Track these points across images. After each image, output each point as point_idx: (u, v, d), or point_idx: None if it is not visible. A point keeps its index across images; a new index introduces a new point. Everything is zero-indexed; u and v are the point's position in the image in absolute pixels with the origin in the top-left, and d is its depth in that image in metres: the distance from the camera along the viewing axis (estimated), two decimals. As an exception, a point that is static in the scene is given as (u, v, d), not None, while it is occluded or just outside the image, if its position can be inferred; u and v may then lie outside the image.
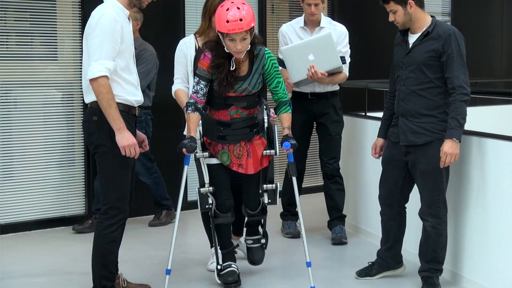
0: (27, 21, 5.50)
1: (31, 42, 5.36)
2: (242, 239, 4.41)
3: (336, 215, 5.01)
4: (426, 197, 3.75)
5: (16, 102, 5.54)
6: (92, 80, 3.30)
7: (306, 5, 4.71)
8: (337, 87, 4.95)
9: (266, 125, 3.93)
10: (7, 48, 5.49)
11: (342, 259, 4.82)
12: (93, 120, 3.44)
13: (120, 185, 3.49)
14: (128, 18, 3.52)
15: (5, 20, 5.50)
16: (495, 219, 3.76)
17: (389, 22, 3.85)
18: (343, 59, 4.67)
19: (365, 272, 4.07)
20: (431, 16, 3.79)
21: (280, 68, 4.65)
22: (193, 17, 6.06)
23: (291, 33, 4.88)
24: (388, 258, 4.04)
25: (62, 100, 5.57)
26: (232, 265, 4.02)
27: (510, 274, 3.62)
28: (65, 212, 5.46)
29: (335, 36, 4.71)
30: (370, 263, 4.10)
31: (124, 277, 3.85)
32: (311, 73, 4.50)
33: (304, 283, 3.91)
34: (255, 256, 4.09)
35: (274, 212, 4.74)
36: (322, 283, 4.02)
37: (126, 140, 3.34)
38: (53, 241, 5.20)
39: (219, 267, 4.02)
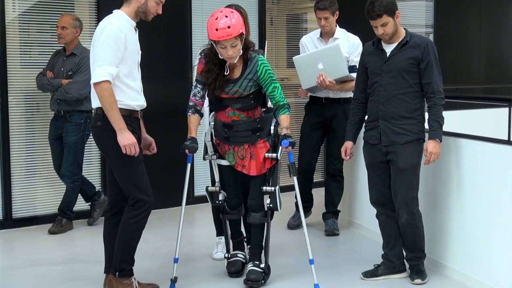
0: (48, 33, 5.50)
1: (52, 52, 5.34)
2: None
3: (331, 210, 5.06)
4: (403, 194, 3.72)
5: (38, 107, 5.55)
6: (95, 84, 3.31)
7: (318, 19, 4.76)
8: (350, 94, 4.89)
9: (272, 132, 3.85)
10: (30, 57, 5.56)
11: (335, 248, 4.83)
12: (98, 126, 3.45)
13: (138, 179, 3.49)
14: (135, 29, 3.51)
15: (28, 32, 5.54)
16: (472, 212, 3.79)
17: (370, 37, 3.83)
18: (355, 67, 4.64)
19: (372, 273, 3.95)
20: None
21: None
22: (199, 28, 6.07)
23: (309, 43, 4.93)
24: (393, 257, 3.92)
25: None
26: (238, 255, 4.01)
27: (487, 262, 3.67)
28: (83, 206, 5.50)
29: (347, 46, 4.78)
30: (376, 265, 3.99)
31: (136, 280, 3.80)
32: (320, 81, 4.54)
33: (307, 277, 3.85)
34: (251, 274, 3.78)
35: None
36: (316, 271, 3.88)
37: (127, 140, 3.32)
38: (72, 233, 5.23)
39: (227, 255, 4.03)
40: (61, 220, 5.19)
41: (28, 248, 4.86)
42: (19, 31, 5.39)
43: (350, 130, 4.04)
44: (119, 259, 3.54)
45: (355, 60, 4.75)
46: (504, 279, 3.56)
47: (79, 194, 5.28)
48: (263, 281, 3.84)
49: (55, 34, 5.44)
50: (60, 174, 5.14)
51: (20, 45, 5.40)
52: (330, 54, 4.59)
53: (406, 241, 3.84)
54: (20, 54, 5.45)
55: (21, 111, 5.43)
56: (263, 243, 3.94)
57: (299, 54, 4.99)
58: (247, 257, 4.02)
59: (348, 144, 4.04)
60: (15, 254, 4.78)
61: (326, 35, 4.86)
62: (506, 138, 3.75)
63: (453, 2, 8.02)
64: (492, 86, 8.06)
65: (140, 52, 3.59)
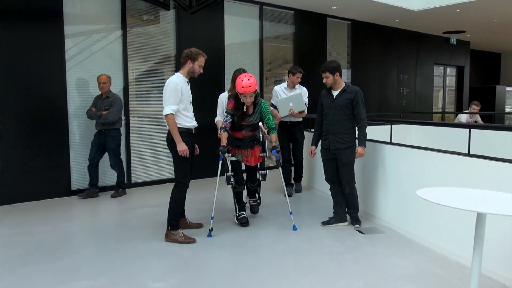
0: (150, 86, 5.45)
1: (149, 96, 5.34)
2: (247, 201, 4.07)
3: (297, 177, 4.99)
4: (347, 177, 3.59)
5: (140, 118, 5.49)
6: (165, 116, 3.20)
7: (296, 78, 4.65)
8: (301, 119, 4.84)
9: (261, 139, 3.77)
10: (140, 99, 5.47)
11: (300, 199, 4.76)
12: (169, 137, 3.29)
13: (184, 170, 3.31)
14: (187, 82, 3.35)
15: (140, 86, 5.46)
16: (389, 184, 3.69)
17: (320, 86, 3.77)
18: (305, 104, 4.65)
19: (326, 222, 3.74)
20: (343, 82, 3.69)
21: (272, 108, 4.66)
22: (228, 82, 6.02)
23: (280, 91, 4.80)
24: (340, 213, 3.72)
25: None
26: (244, 214, 3.77)
27: (401, 213, 3.55)
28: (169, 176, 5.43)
29: (302, 93, 4.71)
30: (329, 218, 3.79)
31: (189, 219, 3.69)
32: (290, 112, 4.51)
33: (287, 223, 3.79)
34: (254, 209, 3.86)
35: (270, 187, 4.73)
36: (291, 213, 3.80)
37: (181, 148, 3.21)
38: (160, 192, 5.15)
39: (236, 214, 3.80)
40: (120, 190, 4.93)
41: (140, 199, 4.86)
42: (135, 85, 5.37)
43: (314, 139, 3.80)
44: (170, 218, 3.33)
45: (305, 101, 4.71)
46: (409, 224, 3.49)
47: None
48: (259, 208, 3.89)
49: (152, 86, 5.37)
50: (111, 166, 4.82)
51: (136, 93, 5.38)
52: (296, 98, 4.55)
53: (349, 203, 3.69)
54: (136, 97, 5.42)
55: (135, 119, 5.41)
56: (256, 194, 3.93)
57: (274, 96, 4.87)
58: (246, 215, 3.80)
59: (312, 147, 3.81)
60: (132, 202, 4.76)
61: (291, 86, 4.71)
62: (389, 141, 3.79)
63: (366, 70, 8.03)
64: (381, 114, 8.09)
65: (191, 95, 3.41)
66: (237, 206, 3.82)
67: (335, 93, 3.61)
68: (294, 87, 4.76)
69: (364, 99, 3.54)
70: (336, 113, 3.56)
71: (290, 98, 4.59)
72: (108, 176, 5.16)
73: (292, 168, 4.99)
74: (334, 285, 2.61)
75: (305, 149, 5.10)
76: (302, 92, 4.70)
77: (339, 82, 3.59)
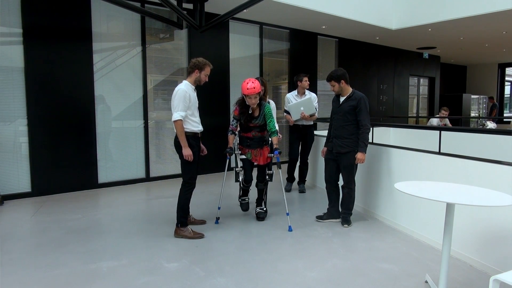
0: (164, 94, 5.40)
1: (166, 98, 5.32)
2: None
3: (302, 180, 4.75)
4: (346, 178, 3.34)
5: (156, 120, 5.43)
6: (174, 122, 2.99)
7: (305, 81, 4.41)
8: (312, 122, 4.62)
9: (269, 142, 3.49)
10: (156, 104, 5.42)
11: (304, 198, 4.57)
12: (176, 141, 3.07)
13: (191, 172, 3.08)
14: (194, 90, 3.12)
15: (157, 93, 5.41)
16: (371, 179, 3.58)
17: (329, 92, 3.65)
18: (316, 108, 4.45)
19: (320, 217, 3.51)
20: (351, 88, 3.36)
21: (286, 114, 4.39)
22: (233, 89, 5.98)
23: (291, 97, 4.55)
24: (333, 212, 3.50)
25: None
26: (246, 199, 3.63)
27: (377, 203, 3.48)
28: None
29: (312, 98, 4.52)
30: (323, 213, 3.55)
31: (193, 216, 3.47)
32: (302, 116, 4.33)
33: (284, 223, 3.46)
34: (261, 215, 3.53)
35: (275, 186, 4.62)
36: (293, 212, 3.70)
37: (186, 152, 3.00)
38: (175, 188, 5.09)
39: (240, 199, 3.69)
40: None
41: (157, 191, 4.80)
42: (153, 93, 5.33)
43: (326, 141, 3.53)
44: (179, 215, 3.09)
45: (315, 105, 4.49)
46: (388, 213, 3.43)
47: None
48: (265, 216, 3.58)
49: (168, 94, 5.31)
50: None
51: (154, 100, 5.33)
52: (306, 102, 4.34)
53: (343, 202, 3.41)
54: (154, 103, 5.36)
55: (152, 122, 5.35)
56: (263, 197, 3.66)
57: (286, 103, 4.51)
58: (249, 199, 3.74)
59: (324, 149, 3.51)
60: (151, 193, 4.71)
61: (301, 92, 4.45)
62: (371, 141, 3.60)
63: (351, 81, 7.90)
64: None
65: (197, 101, 3.18)
66: (241, 191, 3.70)
67: (341, 99, 3.36)
68: (304, 93, 4.50)
69: (368, 106, 3.25)
70: (340, 119, 3.31)
71: (301, 103, 4.34)
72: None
73: (298, 168, 4.77)
74: (323, 265, 2.59)
75: (313, 151, 4.86)
76: (312, 97, 4.45)
77: (346, 89, 3.31)
